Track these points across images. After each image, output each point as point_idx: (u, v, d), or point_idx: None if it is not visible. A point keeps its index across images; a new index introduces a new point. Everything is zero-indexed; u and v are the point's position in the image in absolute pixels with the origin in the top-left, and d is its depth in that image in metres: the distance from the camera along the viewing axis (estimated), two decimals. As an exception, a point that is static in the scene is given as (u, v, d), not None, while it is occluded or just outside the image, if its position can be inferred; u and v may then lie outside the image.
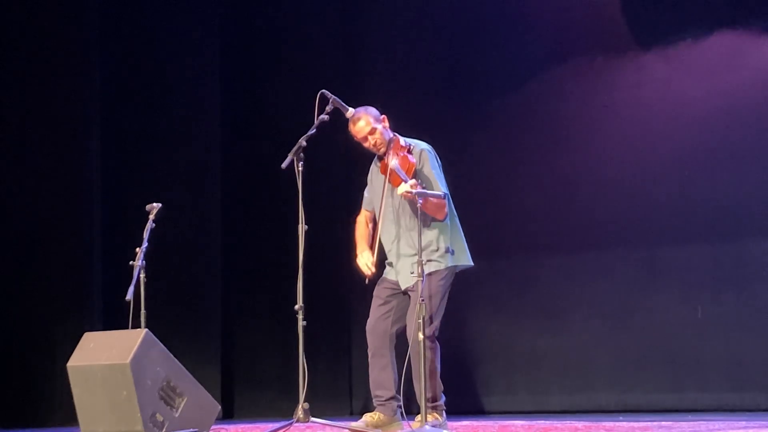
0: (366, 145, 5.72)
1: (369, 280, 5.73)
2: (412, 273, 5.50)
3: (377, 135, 5.67)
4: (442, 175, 5.72)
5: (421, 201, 5.36)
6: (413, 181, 5.45)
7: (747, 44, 7.83)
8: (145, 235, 6.06)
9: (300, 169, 5.58)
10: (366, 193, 5.96)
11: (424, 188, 5.49)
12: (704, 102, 7.89)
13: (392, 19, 8.94)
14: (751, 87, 7.75)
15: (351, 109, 5.72)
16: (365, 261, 5.72)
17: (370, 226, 5.90)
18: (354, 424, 5.70)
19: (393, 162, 5.55)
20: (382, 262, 5.81)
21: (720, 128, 7.83)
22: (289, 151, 5.60)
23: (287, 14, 9.26)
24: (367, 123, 5.67)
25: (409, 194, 5.40)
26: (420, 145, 5.74)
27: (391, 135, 5.71)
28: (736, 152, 7.77)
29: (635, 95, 8.14)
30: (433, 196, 5.54)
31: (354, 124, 5.70)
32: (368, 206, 5.94)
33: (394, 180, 5.54)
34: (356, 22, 9.16)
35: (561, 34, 8.35)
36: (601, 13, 8.21)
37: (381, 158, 5.74)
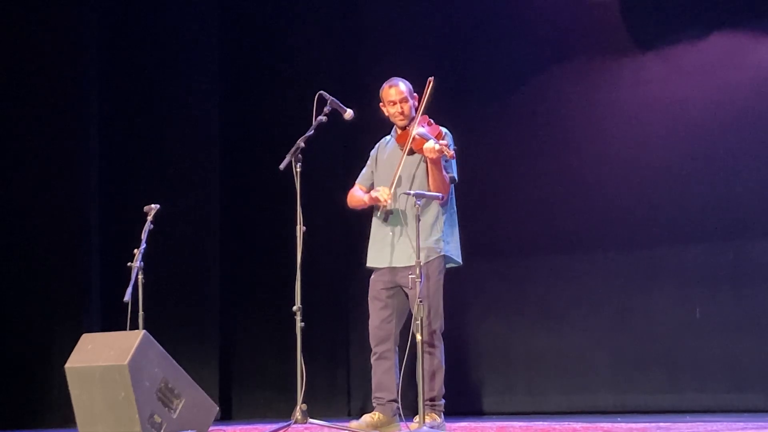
0: (392, 111, 5.79)
1: (383, 213, 5.73)
2: (409, 260, 5.50)
3: (407, 105, 5.78)
4: (455, 161, 5.77)
5: (448, 152, 5.45)
6: (444, 141, 5.53)
7: (745, 44, 7.84)
8: (143, 236, 6.06)
9: (298, 170, 5.59)
10: (365, 169, 5.98)
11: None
12: (702, 102, 7.90)
13: (391, 20, 8.94)
14: (749, 87, 7.76)
15: (349, 110, 5.74)
16: (381, 192, 5.69)
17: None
18: (353, 424, 5.70)
19: (420, 129, 5.63)
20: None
21: (718, 128, 7.83)
22: (287, 153, 5.61)
23: (286, 15, 9.26)
24: (402, 90, 5.79)
25: (438, 151, 5.44)
26: (441, 128, 5.81)
27: (414, 113, 5.79)
28: (734, 152, 7.78)
29: (634, 95, 8.15)
30: (432, 197, 5.58)
31: (390, 87, 5.81)
32: (365, 182, 5.96)
33: (418, 144, 5.58)
34: (355, 23, 9.16)
35: (560, 34, 8.35)
36: (600, 14, 8.22)
37: (397, 132, 5.82)
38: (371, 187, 5.93)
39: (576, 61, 8.34)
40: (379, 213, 5.78)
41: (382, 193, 5.68)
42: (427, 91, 5.75)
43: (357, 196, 5.90)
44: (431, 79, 5.75)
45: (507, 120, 8.50)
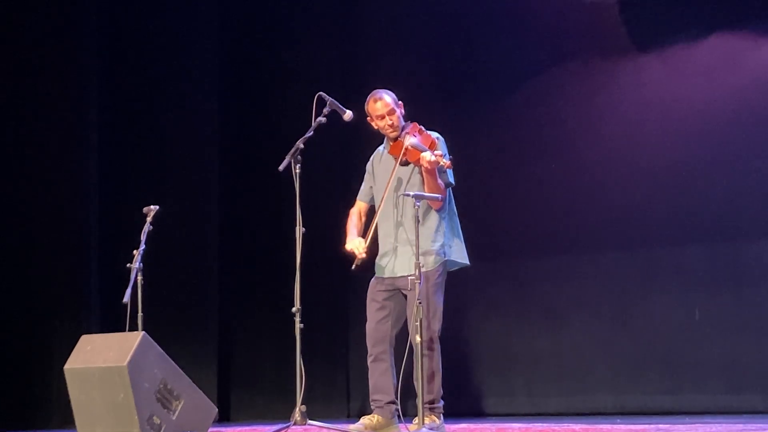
0: (381, 124, 5.77)
1: (356, 266, 5.70)
2: (411, 267, 5.51)
3: (395, 117, 5.75)
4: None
5: (444, 162, 5.44)
6: (439, 151, 5.52)
7: (745, 46, 7.84)
8: (143, 237, 6.05)
9: (297, 171, 5.59)
10: (364, 185, 5.97)
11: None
12: (702, 103, 7.90)
13: (390, 21, 8.94)
14: (748, 88, 7.76)
15: (348, 111, 5.74)
16: (357, 244, 5.70)
17: (363, 219, 5.93)
18: (352, 427, 5.70)
19: (412, 139, 5.61)
20: (372, 258, 5.80)
21: (717, 129, 7.83)
22: (286, 154, 5.60)
23: (285, 15, 9.26)
24: (389, 102, 5.75)
25: (433, 162, 5.44)
26: (433, 133, 5.79)
27: (404, 122, 5.78)
28: (733, 154, 7.78)
29: (633, 96, 8.15)
30: (431, 198, 5.58)
31: (375, 101, 5.77)
32: (365, 198, 5.96)
33: (412, 155, 5.56)
34: (354, 24, 9.16)
35: (559, 35, 8.36)
36: (599, 14, 8.22)
37: (389, 143, 5.80)
38: (371, 202, 5.93)
39: (575, 63, 8.34)
40: (353, 266, 5.74)
41: (358, 246, 5.67)
42: (407, 129, 5.73)
43: (348, 229, 5.89)
44: (415, 124, 5.76)
45: (506, 121, 8.50)
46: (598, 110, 8.27)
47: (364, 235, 5.76)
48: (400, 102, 5.81)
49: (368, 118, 5.82)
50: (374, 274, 5.86)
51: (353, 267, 5.70)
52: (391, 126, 5.75)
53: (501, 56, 8.51)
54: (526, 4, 8.47)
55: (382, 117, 5.75)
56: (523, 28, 8.46)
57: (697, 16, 7.92)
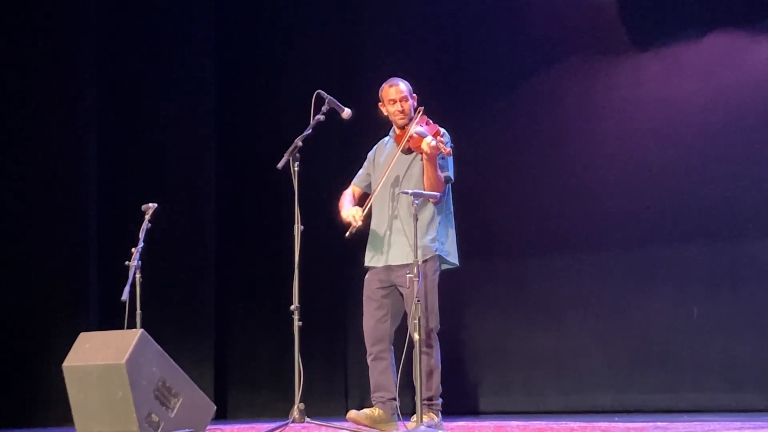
0: (392, 109, 5.79)
1: (351, 233, 5.69)
2: (405, 257, 5.54)
3: (407, 104, 5.78)
4: (451, 160, 5.78)
5: (445, 149, 5.47)
6: (441, 138, 5.54)
7: (743, 44, 7.85)
8: (141, 235, 6.06)
9: (296, 169, 5.60)
10: (362, 171, 5.98)
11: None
12: (700, 102, 7.91)
13: (390, 19, 8.94)
14: (746, 87, 7.77)
15: (347, 109, 5.75)
16: (353, 212, 5.72)
17: (355, 203, 5.93)
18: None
19: (418, 128, 5.64)
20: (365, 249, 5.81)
21: (716, 128, 7.84)
22: (285, 152, 5.61)
23: (285, 13, 9.27)
24: (403, 89, 5.79)
25: (434, 147, 5.47)
26: (439, 127, 5.81)
27: (413, 113, 5.81)
28: (731, 152, 7.79)
29: (632, 95, 8.15)
30: (429, 197, 5.59)
31: (390, 86, 5.81)
32: (360, 183, 5.97)
33: (415, 142, 5.59)
34: (354, 22, 9.16)
35: (558, 34, 8.36)
36: (598, 13, 8.23)
37: (395, 132, 5.82)
38: (366, 189, 5.94)
39: (573, 61, 8.34)
40: (347, 233, 5.75)
41: (354, 215, 5.69)
42: (416, 119, 5.75)
43: (342, 203, 5.91)
44: (421, 108, 5.77)
45: (504, 120, 8.51)
46: (596, 109, 8.27)
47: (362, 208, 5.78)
48: (414, 95, 5.84)
49: (379, 104, 5.85)
50: (366, 270, 5.86)
51: (347, 234, 5.71)
52: (402, 112, 5.77)
53: (500, 55, 8.51)
54: (525, 4, 8.47)
55: (394, 102, 5.77)
56: (522, 27, 8.46)
57: (696, 16, 7.93)
